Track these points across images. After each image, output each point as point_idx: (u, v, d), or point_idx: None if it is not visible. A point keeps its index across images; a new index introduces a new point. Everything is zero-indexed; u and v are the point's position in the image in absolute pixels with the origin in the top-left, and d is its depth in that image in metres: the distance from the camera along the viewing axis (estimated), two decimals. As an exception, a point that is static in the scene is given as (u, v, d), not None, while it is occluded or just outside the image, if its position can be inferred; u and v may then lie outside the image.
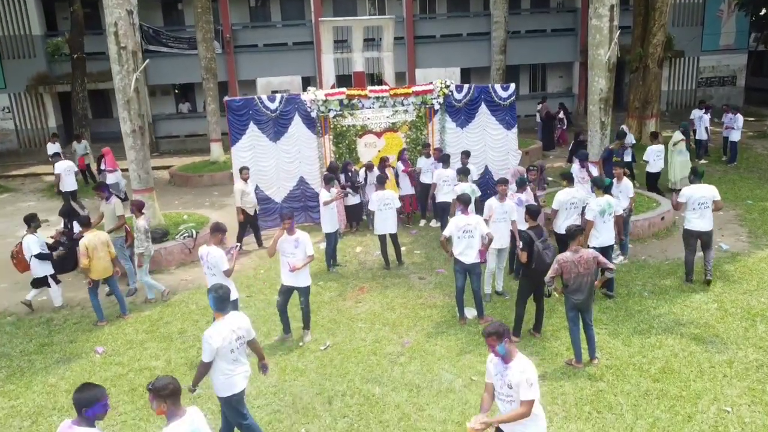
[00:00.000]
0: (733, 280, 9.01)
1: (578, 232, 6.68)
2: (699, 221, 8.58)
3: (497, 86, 12.47)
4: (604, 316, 8.01)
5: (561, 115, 20.32)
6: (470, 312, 8.22)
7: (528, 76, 26.05)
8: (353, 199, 12.05)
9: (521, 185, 9.38)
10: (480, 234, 7.73)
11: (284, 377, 6.96)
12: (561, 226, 8.76)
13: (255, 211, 11.48)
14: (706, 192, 8.57)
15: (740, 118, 16.30)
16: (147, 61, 11.57)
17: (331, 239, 10.27)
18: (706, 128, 17.11)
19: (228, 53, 23.09)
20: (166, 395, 3.83)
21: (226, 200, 15.49)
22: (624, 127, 15.28)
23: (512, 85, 12.27)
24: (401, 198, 11.41)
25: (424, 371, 6.94)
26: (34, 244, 9.07)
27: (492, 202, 8.54)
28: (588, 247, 7.95)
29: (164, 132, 24.56)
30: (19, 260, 9.50)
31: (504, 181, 8.63)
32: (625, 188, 9.71)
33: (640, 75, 19.36)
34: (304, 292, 7.74)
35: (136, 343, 8.01)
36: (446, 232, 7.86)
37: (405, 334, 7.88)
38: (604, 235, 8.43)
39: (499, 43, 19.70)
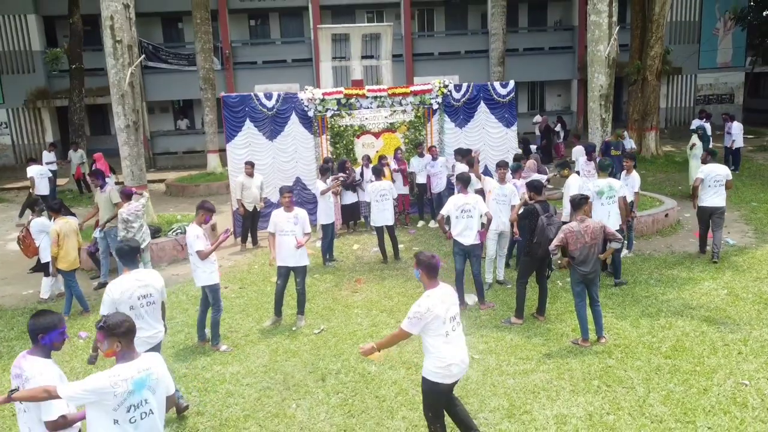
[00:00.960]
0: (742, 269, 8.72)
1: (583, 202, 6.43)
2: (714, 198, 8.97)
3: (496, 83, 12.37)
4: (609, 301, 7.70)
5: (558, 127, 20.26)
6: (470, 298, 7.91)
7: (526, 94, 26.10)
8: (350, 198, 11.81)
9: (516, 170, 9.11)
10: (479, 214, 7.48)
11: (275, 358, 6.62)
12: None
13: (255, 207, 11.19)
14: (720, 170, 9.04)
15: (736, 125, 16.35)
16: (143, 56, 11.47)
17: (328, 232, 10.00)
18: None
19: (227, 69, 23.16)
20: (121, 334, 3.37)
21: (223, 207, 15.21)
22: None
23: (512, 82, 12.17)
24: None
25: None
26: (46, 223, 8.76)
27: (492, 182, 8.33)
28: None
29: (162, 148, 24.46)
30: (26, 245, 9.21)
31: (504, 164, 8.41)
32: (632, 181, 9.44)
33: (639, 87, 19.37)
34: (302, 272, 7.49)
35: (121, 329, 7.66)
36: (444, 211, 7.61)
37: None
38: (600, 217, 7.92)
39: (497, 55, 19.77)
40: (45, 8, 22.86)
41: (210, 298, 6.88)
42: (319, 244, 10.49)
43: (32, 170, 14.17)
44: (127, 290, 4.89)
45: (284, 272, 7.43)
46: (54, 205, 8.59)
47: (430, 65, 24.02)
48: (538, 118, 20.43)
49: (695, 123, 17.24)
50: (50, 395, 3.38)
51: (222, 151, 15.35)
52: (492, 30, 20.12)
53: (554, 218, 7.02)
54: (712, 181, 8.95)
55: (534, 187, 7.27)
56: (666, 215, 11.12)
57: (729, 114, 17.53)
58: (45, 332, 3.57)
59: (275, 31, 25.00)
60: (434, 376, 4.42)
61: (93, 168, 11.76)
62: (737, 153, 16.43)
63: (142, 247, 8.95)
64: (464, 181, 7.66)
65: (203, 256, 6.58)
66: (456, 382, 4.59)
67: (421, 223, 12.37)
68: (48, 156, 17.07)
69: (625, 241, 9.66)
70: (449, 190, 11.60)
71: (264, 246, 11.13)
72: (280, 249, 7.33)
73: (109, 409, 3.27)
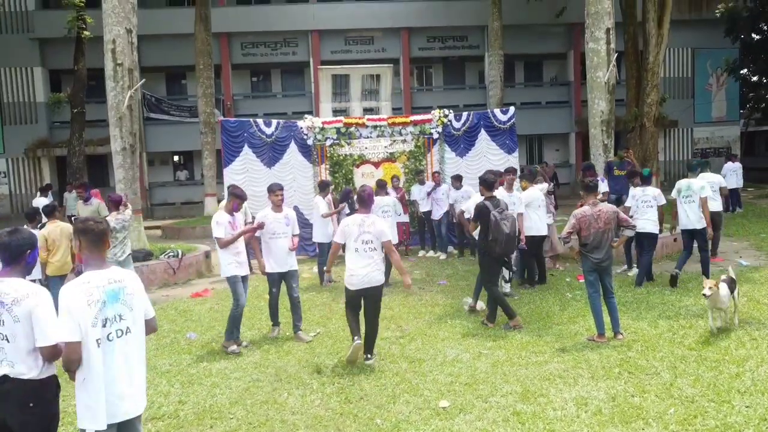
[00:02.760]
0: (759, 282, 8.31)
1: (595, 186, 6.13)
2: (713, 203, 9.44)
3: (496, 110, 12.33)
4: (623, 307, 7.19)
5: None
6: (480, 304, 7.48)
7: (525, 147, 26.24)
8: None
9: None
10: None
11: (267, 356, 6.12)
12: (530, 227, 8.45)
13: None
14: (715, 178, 10.07)
15: (726, 165, 16.73)
16: (143, 80, 11.49)
17: (324, 250, 9.56)
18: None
19: (228, 121, 23.38)
20: (80, 231, 3.10)
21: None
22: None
23: (512, 108, 12.13)
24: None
25: (427, 348, 6.12)
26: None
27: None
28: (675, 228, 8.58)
29: (160, 199, 24.35)
30: None
31: (512, 170, 8.19)
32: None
33: (637, 134, 19.44)
34: (295, 277, 6.92)
35: (104, 336, 7.16)
36: (464, 207, 7.51)
37: (404, 324, 7.09)
38: (682, 216, 8.38)
39: (496, 101, 19.96)
40: (51, 62, 23.36)
41: (230, 290, 6.47)
42: (315, 269, 10.12)
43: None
44: None
45: (277, 279, 6.81)
46: (46, 208, 8.27)
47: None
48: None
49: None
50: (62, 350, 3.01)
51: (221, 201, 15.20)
52: (490, 78, 20.44)
53: (506, 212, 6.65)
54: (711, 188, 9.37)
55: (484, 182, 6.86)
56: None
57: (732, 154, 17.72)
58: (33, 248, 3.22)
59: (276, 85, 25.49)
60: (345, 281, 5.71)
61: (80, 182, 11.42)
62: (736, 192, 16.42)
63: (122, 259, 8.47)
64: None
65: (222, 244, 6.23)
66: (366, 295, 5.69)
67: (421, 253, 11.98)
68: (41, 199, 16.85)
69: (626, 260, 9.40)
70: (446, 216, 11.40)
71: (255, 271, 10.70)
72: (270, 253, 6.72)
73: (88, 326, 2.94)
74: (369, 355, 5.71)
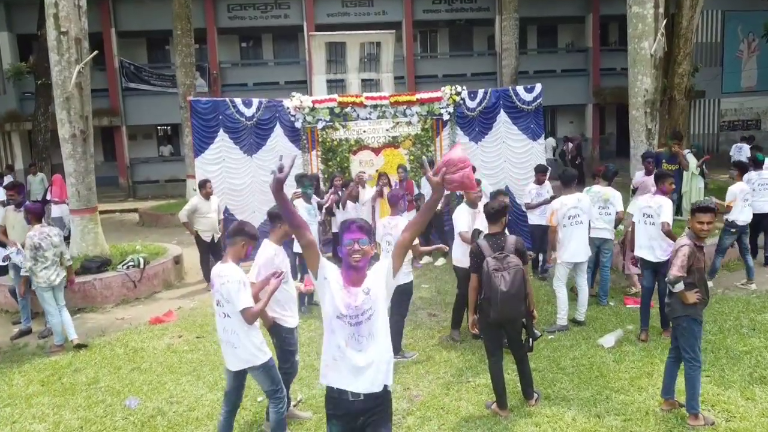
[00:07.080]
0: None
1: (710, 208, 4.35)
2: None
3: (519, 88, 10.42)
4: (698, 358, 5.58)
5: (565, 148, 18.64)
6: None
7: (537, 120, 24.33)
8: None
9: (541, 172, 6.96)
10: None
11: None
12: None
13: (213, 237, 9.08)
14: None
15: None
16: (95, 52, 9.60)
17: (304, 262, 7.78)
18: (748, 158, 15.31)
19: (215, 92, 21.39)
20: None
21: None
22: None
23: (538, 86, 10.22)
24: None
25: (431, 406, 4.46)
26: None
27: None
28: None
29: (143, 176, 22.56)
30: None
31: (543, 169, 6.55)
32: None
33: (666, 108, 17.54)
34: None
35: (20, 399, 5.48)
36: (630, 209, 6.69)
37: (414, 384, 5.42)
38: None
39: (510, 72, 17.94)
40: (19, 26, 21.25)
41: (261, 383, 4.23)
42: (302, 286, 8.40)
43: None
44: None
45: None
46: None
47: (434, 87, 22.23)
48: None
49: (735, 147, 15.57)
50: None
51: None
52: (504, 45, 18.30)
53: (509, 259, 4.53)
54: None
55: (489, 213, 4.85)
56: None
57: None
58: None
59: (268, 52, 23.42)
60: None
61: (13, 181, 9.55)
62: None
63: (56, 284, 6.75)
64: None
65: (251, 317, 3.96)
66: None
67: (426, 259, 10.19)
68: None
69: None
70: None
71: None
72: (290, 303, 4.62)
73: None
74: (400, 353, 5.89)
